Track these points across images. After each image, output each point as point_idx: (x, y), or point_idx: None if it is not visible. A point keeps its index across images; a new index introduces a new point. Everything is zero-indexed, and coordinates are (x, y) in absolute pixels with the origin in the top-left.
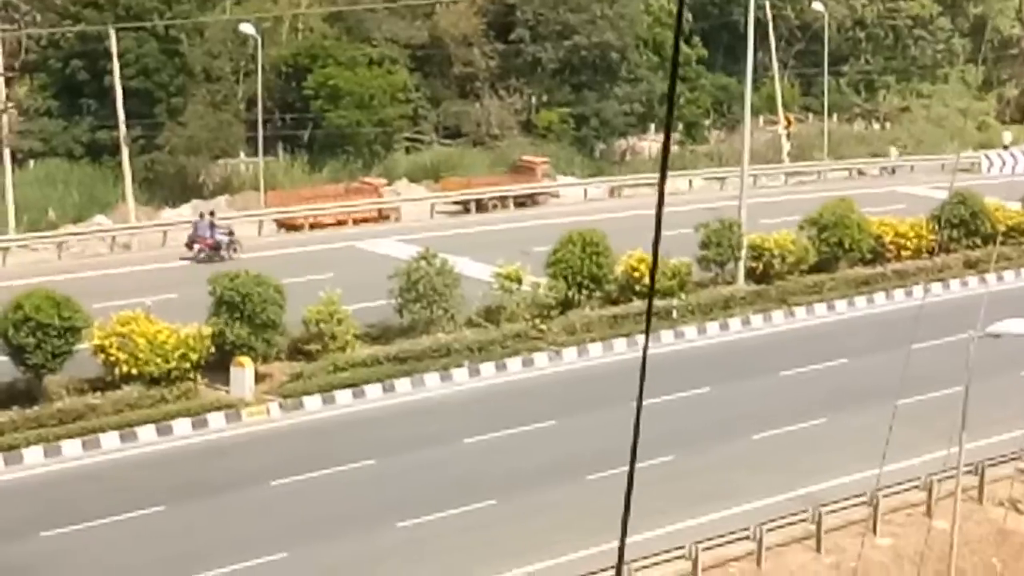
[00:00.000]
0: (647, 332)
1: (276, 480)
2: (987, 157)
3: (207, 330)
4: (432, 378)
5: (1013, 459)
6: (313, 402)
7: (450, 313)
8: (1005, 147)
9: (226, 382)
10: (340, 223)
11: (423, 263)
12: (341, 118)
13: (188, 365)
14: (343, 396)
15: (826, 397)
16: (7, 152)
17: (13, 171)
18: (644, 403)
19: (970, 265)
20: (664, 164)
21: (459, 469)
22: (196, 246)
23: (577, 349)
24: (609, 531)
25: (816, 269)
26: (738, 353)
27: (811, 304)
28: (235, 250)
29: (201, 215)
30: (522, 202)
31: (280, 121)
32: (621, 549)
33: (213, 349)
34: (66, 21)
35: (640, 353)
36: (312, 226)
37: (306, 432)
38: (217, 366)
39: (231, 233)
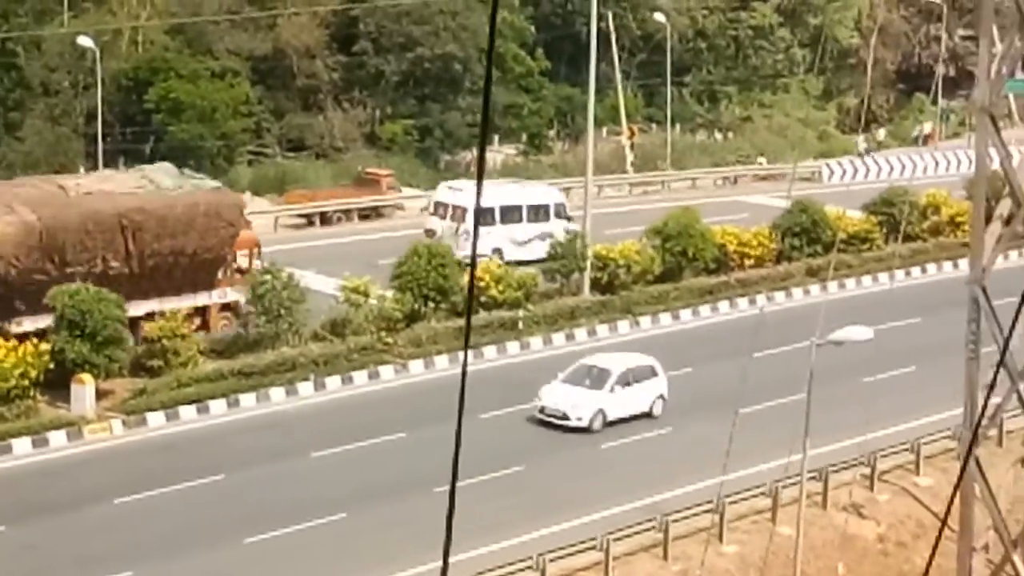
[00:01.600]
0: (465, 350)
1: (120, 498)
2: (828, 166)
3: (44, 346)
4: (278, 392)
5: (856, 465)
6: (157, 418)
7: (295, 327)
8: (860, 155)
9: (67, 399)
10: None
11: (268, 277)
12: (183, 131)
13: (27, 383)
14: (187, 412)
15: (673, 405)
16: None
17: None
18: (491, 415)
19: (812, 273)
20: (480, 176)
21: (307, 483)
22: None
23: (424, 361)
24: (458, 543)
25: (661, 279)
26: None
27: (656, 314)
28: None
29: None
30: (367, 215)
31: (121, 135)
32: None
33: (53, 366)
34: None
35: (486, 364)
36: None
37: (150, 449)
38: (58, 383)
39: None
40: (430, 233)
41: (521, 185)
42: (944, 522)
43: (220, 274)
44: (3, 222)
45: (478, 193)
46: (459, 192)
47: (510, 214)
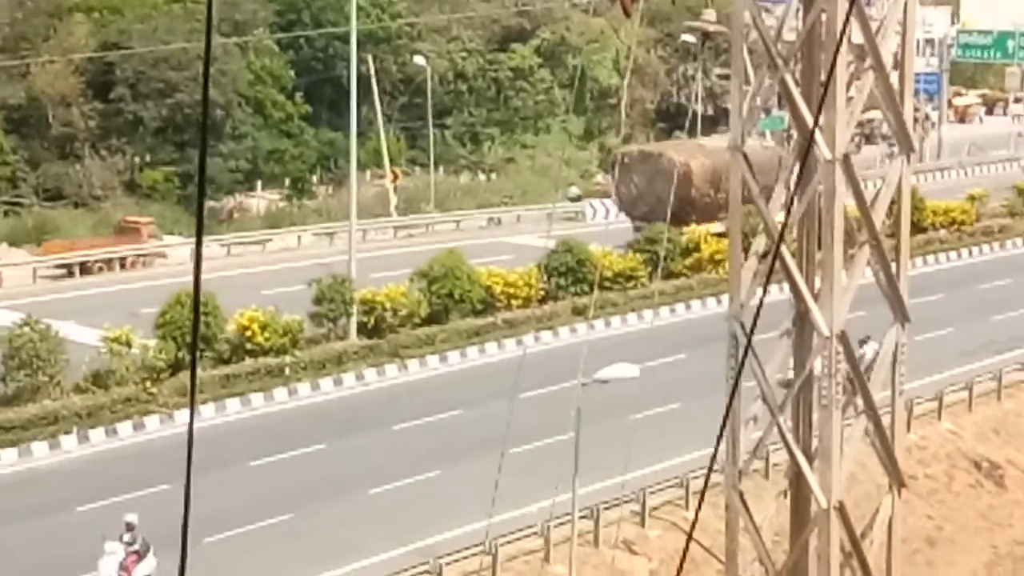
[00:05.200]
0: (192, 404)
1: None
2: (591, 205)
3: None
4: (40, 447)
5: (626, 502)
6: None
7: (56, 379)
8: (572, 199)
9: None
10: None
11: (26, 329)
12: None
13: None
14: None
15: (440, 448)
16: None
17: None
18: (258, 463)
19: (578, 312)
20: (200, 223)
21: (71, 540)
22: None
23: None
24: None
25: (428, 321)
26: (353, 408)
27: (424, 356)
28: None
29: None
30: (129, 264)
31: None
32: None
33: None
34: None
35: (256, 412)
36: None
37: None
38: None
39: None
40: None
41: None
42: (689, 536)
43: None
44: (697, 163)
45: (198, 245)
46: None
47: None
